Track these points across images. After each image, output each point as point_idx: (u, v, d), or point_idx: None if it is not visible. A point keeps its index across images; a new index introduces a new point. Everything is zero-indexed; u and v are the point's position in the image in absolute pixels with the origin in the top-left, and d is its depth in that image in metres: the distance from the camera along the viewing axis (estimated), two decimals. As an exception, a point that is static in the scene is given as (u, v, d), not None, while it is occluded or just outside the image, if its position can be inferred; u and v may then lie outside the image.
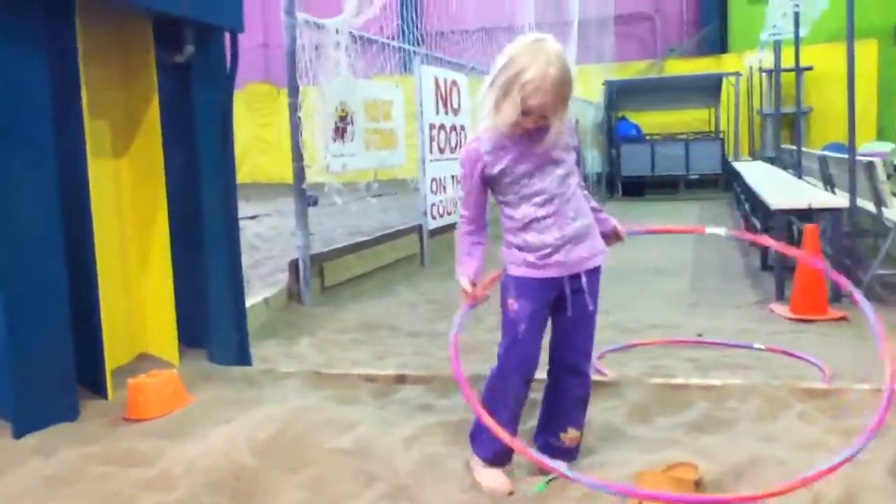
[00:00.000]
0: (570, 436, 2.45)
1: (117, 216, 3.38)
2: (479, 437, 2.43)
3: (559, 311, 2.38)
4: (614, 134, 15.63)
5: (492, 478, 2.35)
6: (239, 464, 2.41)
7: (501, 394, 2.40)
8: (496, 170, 2.30)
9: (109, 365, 3.09)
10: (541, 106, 2.16)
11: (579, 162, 2.47)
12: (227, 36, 3.66)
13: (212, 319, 3.61)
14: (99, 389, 3.07)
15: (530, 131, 2.25)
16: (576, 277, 2.34)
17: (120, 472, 2.43)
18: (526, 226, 2.32)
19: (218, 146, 3.63)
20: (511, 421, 2.40)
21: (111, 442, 2.66)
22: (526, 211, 2.31)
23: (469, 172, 2.36)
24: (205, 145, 3.55)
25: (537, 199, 2.30)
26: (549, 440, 2.46)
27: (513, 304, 2.34)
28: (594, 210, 2.48)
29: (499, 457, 2.38)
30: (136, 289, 3.46)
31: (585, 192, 2.49)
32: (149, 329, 3.48)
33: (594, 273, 2.38)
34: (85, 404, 2.97)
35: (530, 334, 2.34)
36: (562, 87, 2.16)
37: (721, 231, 2.73)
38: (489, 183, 2.36)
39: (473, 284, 2.36)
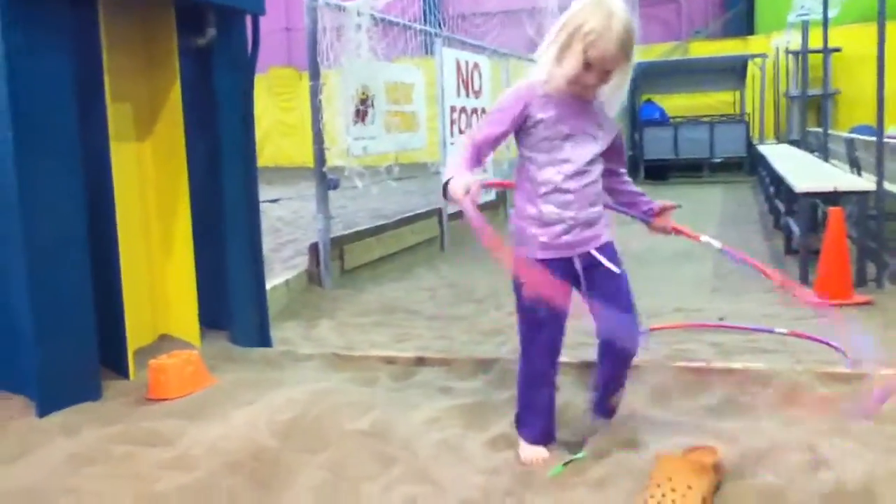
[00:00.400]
0: (617, 397, 2.48)
1: (140, 200, 3.40)
2: (524, 419, 2.45)
3: (586, 289, 2.35)
4: (637, 117, 15.48)
5: (531, 450, 2.37)
6: (259, 445, 2.42)
7: (533, 382, 2.41)
8: (538, 116, 2.25)
9: (131, 346, 3.13)
10: (602, 58, 2.13)
11: (622, 149, 2.45)
12: (249, 19, 3.66)
13: (233, 302, 3.63)
14: (121, 370, 3.11)
15: (588, 91, 2.23)
16: (586, 255, 2.32)
17: (141, 451, 2.45)
18: (546, 194, 2.28)
19: (239, 130, 3.64)
20: (548, 408, 2.42)
21: (133, 422, 2.69)
22: (550, 176, 2.27)
23: (509, 106, 2.27)
24: (226, 129, 3.56)
25: (566, 168, 2.26)
26: (602, 402, 2.48)
27: (527, 288, 2.31)
28: (637, 194, 2.49)
29: (543, 437, 2.41)
30: (158, 271, 3.49)
31: (628, 177, 2.49)
32: (171, 311, 3.51)
33: (606, 247, 2.36)
34: (107, 384, 3.00)
35: (550, 318, 2.31)
36: (625, 39, 2.15)
37: (716, 244, 2.72)
38: (521, 129, 2.28)
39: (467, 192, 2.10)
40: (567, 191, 2.27)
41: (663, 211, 2.52)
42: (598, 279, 2.34)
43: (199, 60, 3.46)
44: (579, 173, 2.28)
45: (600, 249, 2.34)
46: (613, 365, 2.42)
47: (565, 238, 2.29)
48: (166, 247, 3.48)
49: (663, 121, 15.35)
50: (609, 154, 2.39)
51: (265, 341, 3.80)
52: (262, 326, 3.81)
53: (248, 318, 3.73)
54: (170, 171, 3.41)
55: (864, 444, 2.23)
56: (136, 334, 3.19)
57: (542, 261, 2.30)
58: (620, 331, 2.34)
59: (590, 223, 2.31)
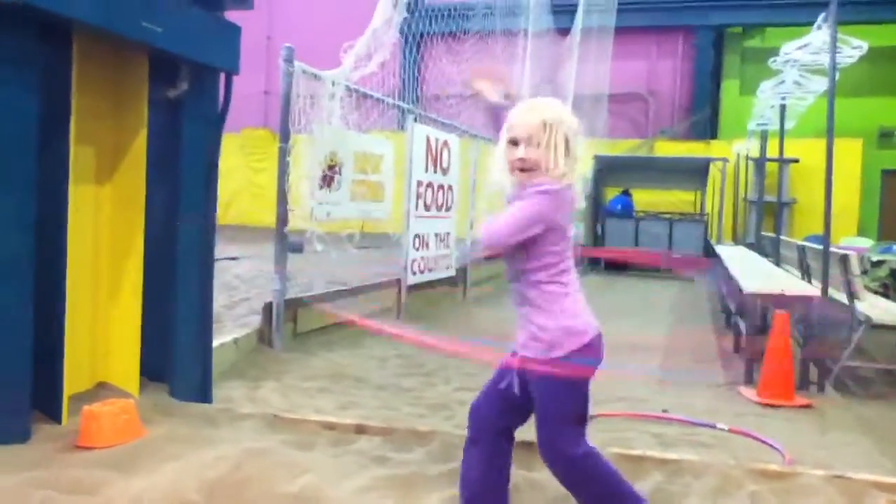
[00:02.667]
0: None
1: (93, 243, 3.39)
2: None
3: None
4: (600, 208, 15.83)
5: None
6: (184, 501, 2.37)
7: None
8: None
9: (67, 391, 3.06)
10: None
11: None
12: (223, 76, 3.73)
13: (176, 354, 3.58)
14: (54, 414, 3.03)
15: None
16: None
17: (61, 499, 2.38)
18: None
19: (201, 183, 3.67)
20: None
21: (58, 468, 2.62)
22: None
23: (552, 209, 2.27)
24: (188, 181, 3.59)
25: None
26: None
27: None
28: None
29: None
30: (103, 316, 3.45)
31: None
32: (111, 358, 3.45)
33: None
34: (38, 427, 2.93)
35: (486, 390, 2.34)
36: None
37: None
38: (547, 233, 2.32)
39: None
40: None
41: None
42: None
43: (169, 111, 3.50)
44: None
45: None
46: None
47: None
48: (114, 292, 3.45)
49: (626, 213, 15.65)
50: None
51: (205, 398, 3.74)
52: (204, 382, 3.76)
53: (191, 373, 3.68)
54: (126, 217, 3.40)
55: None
56: (73, 379, 3.13)
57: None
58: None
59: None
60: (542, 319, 2.27)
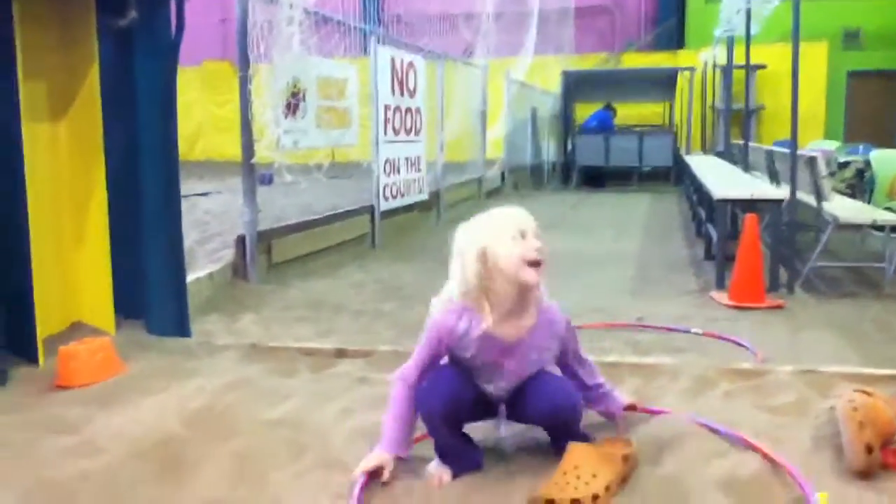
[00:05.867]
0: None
1: (53, 182, 3.31)
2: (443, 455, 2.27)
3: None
4: (570, 124, 15.74)
5: (438, 467, 2.24)
6: (167, 433, 2.39)
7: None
8: None
9: (41, 332, 3.05)
10: None
11: None
12: (173, 2, 3.58)
13: (150, 291, 3.56)
14: (30, 356, 3.02)
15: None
16: None
17: (45, 438, 2.39)
18: None
19: (160, 116, 3.56)
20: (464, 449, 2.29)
21: (38, 409, 2.62)
22: None
23: None
24: (146, 115, 3.49)
25: None
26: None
27: None
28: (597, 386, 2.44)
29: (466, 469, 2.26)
30: (71, 257, 3.40)
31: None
32: (84, 298, 3.43)
33: None
34: (15, 371, 2.92)
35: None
36: None
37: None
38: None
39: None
40: None
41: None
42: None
43: (120, 43, 3.38)
44: None
45: None
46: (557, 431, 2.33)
47: None
48: (80, 232, 3.39)
49: (603, 128, 15.37)
50: None
51: (184, 332, 3.72)
52: (180, 317, 3.74)
53: (167, 308, 3.66)
54: (86, 154, 3.32)
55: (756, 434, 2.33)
56: (46, 321, 3.11)
57: None
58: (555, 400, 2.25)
59: None
60: None
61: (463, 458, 2.26)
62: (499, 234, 2.14)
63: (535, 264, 2.12)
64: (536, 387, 2.25)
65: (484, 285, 2.14)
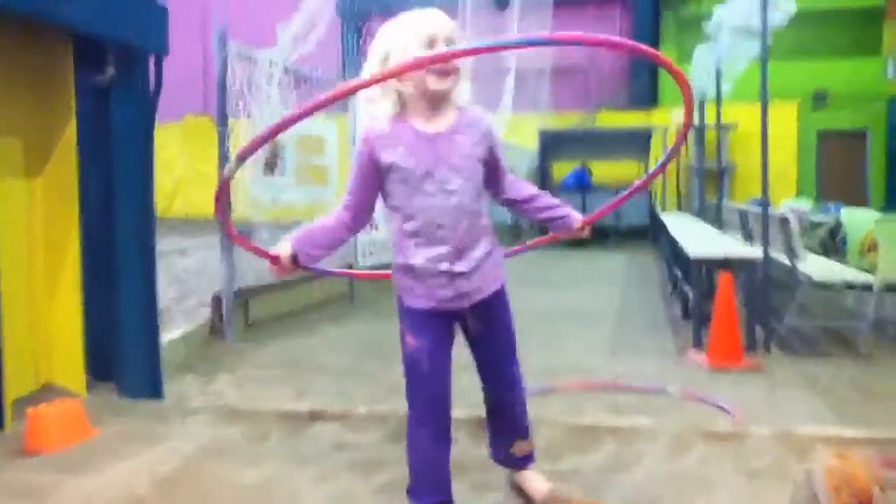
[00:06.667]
0: (519, 447, 2.40)
1: (27, 239, 3.29)
2: (416, 490, 2.25)
3: (470, 336, 2.30)
4: (548, 181, 15.91)
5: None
6: (138, 498, 2.33)
7: (424, 451, 2.23)
8: None
9: (10, 394, 2.98)
10: None
11: None
12: (152, 59, 3.61)
13: (123, 352, 3.51)
14: (-3, 420, 2.95)
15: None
16: (476, 305, 2.24)
17: (10, 505, 2.33)
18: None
19: (137, 172, 3.55)
20: (442, 477, 2.24)
21: (6, 474, 2.55)
22: None
23: None
24: (123, 170, 3.48)
25: None
26: (502, 454, 2.43)
27: (410, 340, 2.21)
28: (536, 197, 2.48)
29: None
30: (43, 316, 3.36)
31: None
32: (55, 359, 3.37)
33: (496, 295, 2.29)
34: (-19, 436, 2.84)
35: (434, 372, 2.20)
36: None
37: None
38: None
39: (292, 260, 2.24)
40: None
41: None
42: (485, 330, 2.29)
43: (99, 98, 3.39)
44: None
45: (493, 296, 2.27)
46: (499, 414, 2.39)
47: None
48: (53, 289, 3.35)
49: (581, 186, 15.56)
50: None
51: (157, 394, 3.67)
52: (153, 379, 3.68)
53: (140, 369, 3.60)
54: (61, 209, 3.30)
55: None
56: (16, 382, 3.05)
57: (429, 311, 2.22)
58: (503, 378, 2.33)
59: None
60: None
61: (441, 491, 2.23)
62: (406, 41, 2.12)
63: (442, 74, 2.11)
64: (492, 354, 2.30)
65: (395, 88, 2.15)
